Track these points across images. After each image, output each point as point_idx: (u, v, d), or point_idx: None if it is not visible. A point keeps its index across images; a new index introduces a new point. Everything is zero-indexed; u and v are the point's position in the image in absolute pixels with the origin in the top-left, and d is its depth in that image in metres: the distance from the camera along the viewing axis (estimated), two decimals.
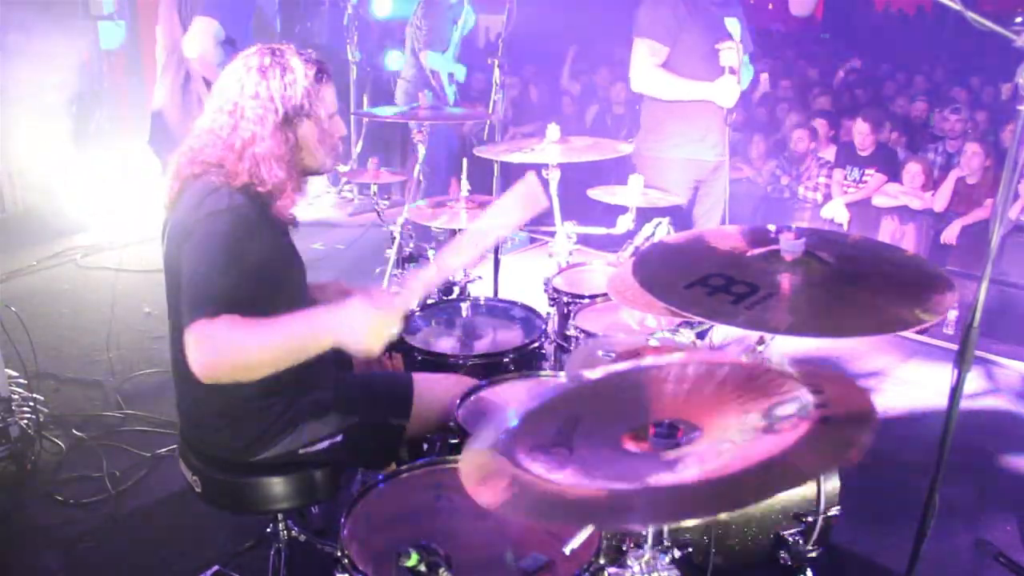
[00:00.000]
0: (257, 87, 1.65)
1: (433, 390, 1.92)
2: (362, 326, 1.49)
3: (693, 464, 1.07)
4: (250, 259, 1.57)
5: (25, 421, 2.70)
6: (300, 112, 1.68)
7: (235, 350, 1.46)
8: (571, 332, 2.36)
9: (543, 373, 2.11)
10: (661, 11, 3.18)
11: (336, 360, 2.02)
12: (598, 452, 1.16)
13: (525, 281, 3.48)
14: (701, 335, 2.15)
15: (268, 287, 1.60)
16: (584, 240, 4.32)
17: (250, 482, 1.76)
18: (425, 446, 1.94)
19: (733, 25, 3.22)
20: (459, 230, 1.83)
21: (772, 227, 1.62)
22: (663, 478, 1.04)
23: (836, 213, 5.59)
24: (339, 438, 1.80)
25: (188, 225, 1.59)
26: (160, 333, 3.63)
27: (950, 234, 5.16)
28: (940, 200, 5.33)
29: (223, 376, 1.47)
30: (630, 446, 1.17)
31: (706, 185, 3.42)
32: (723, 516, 1.66)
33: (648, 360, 1.40)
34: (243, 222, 1.59)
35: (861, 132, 5.62)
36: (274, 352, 1.48)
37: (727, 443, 1.12)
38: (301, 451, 1.78)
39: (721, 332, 3.08)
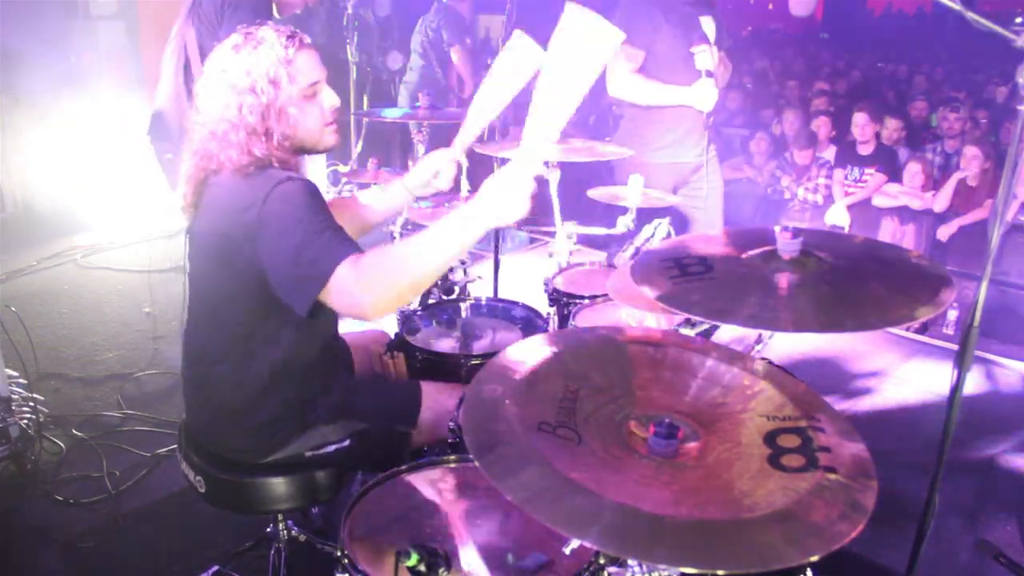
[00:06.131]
0: (233, 66, 1.60)
1: (439, 400, 1.90)
2: (506, 193, 1.43)
3: (703, 487, 1.08)
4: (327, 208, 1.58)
5: (25, 421, 2.70)
6: (276, 82, 1.60)
7: (397, 270, 1.46)
8: None
9: None
10: (635, 15, 3.15)
11: (344, 365, 2.03)
12: (607, 447, 1.16)
13: (525, 281, 3.47)
14: (702, 335, 2.14)
15: None
16: (584, 240, 4.31)
17: (255, 482, 1.76)
18: (425, 447, 1.94)
19: (708, 24, 3.19)
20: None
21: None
22: (678, 508, 1.04)
23: (838, 218, 5.57)
24: (346, 443, 1.80)
25: (250, 219, 1.53)
26: (160, 333, 3.63)
27: (946, 232, 5.16)
28: (941, 201, 5.32)
29: (396, 301, 1.47)
30: (632, 441, 1.18)
31: (686, 188, 3.40)
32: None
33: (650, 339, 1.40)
34: (304, 181, 1.58)
35: (860, 124, 5.60)
36: (432, 258, 1.46)
37: (732, 463, 1.14)
38: (308, 454, 1.78)
39: (722, 332, 3.08)
